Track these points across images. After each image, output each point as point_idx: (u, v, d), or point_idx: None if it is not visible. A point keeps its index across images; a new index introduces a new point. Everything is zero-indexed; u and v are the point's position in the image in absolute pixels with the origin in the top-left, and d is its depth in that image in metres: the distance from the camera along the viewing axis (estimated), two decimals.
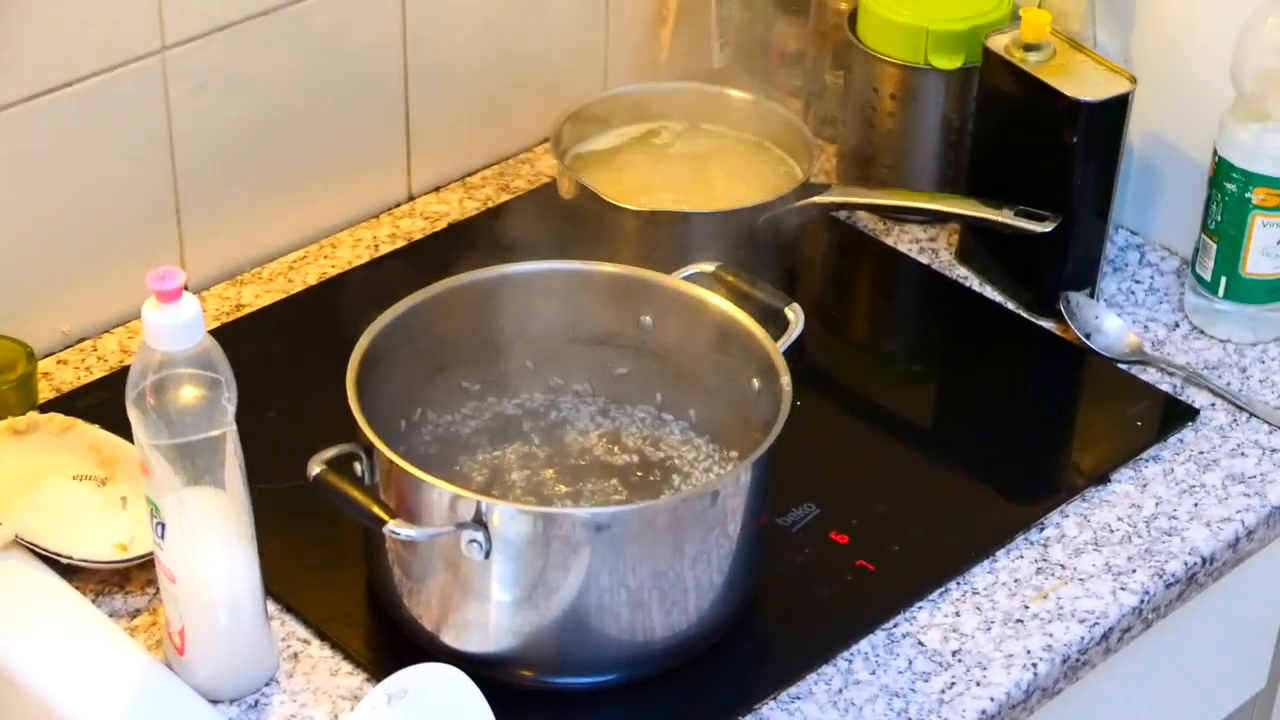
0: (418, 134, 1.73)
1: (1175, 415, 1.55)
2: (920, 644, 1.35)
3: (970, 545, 1.42)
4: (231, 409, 1.19)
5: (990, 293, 1.68)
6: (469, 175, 1.79)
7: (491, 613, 1.27)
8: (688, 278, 1.43)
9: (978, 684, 1.32)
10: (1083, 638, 1.36)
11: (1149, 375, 1.59)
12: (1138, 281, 1.70)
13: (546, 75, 1.79)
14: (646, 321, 1.42)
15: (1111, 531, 1.45)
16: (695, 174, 1.69)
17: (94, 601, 1.34)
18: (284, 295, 1.64)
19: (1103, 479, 1.49)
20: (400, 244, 1.70)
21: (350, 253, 1.69)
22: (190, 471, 1.20)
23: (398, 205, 1.75)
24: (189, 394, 1.18)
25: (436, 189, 1.77)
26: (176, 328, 1.16)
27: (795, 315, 1.42)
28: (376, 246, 1.70)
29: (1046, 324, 1.64)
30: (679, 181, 1.68)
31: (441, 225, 1.73)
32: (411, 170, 1.75)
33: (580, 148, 1.70)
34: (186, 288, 1.17)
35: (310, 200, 1.68)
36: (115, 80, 1.50)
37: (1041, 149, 1.60)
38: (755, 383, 1.36)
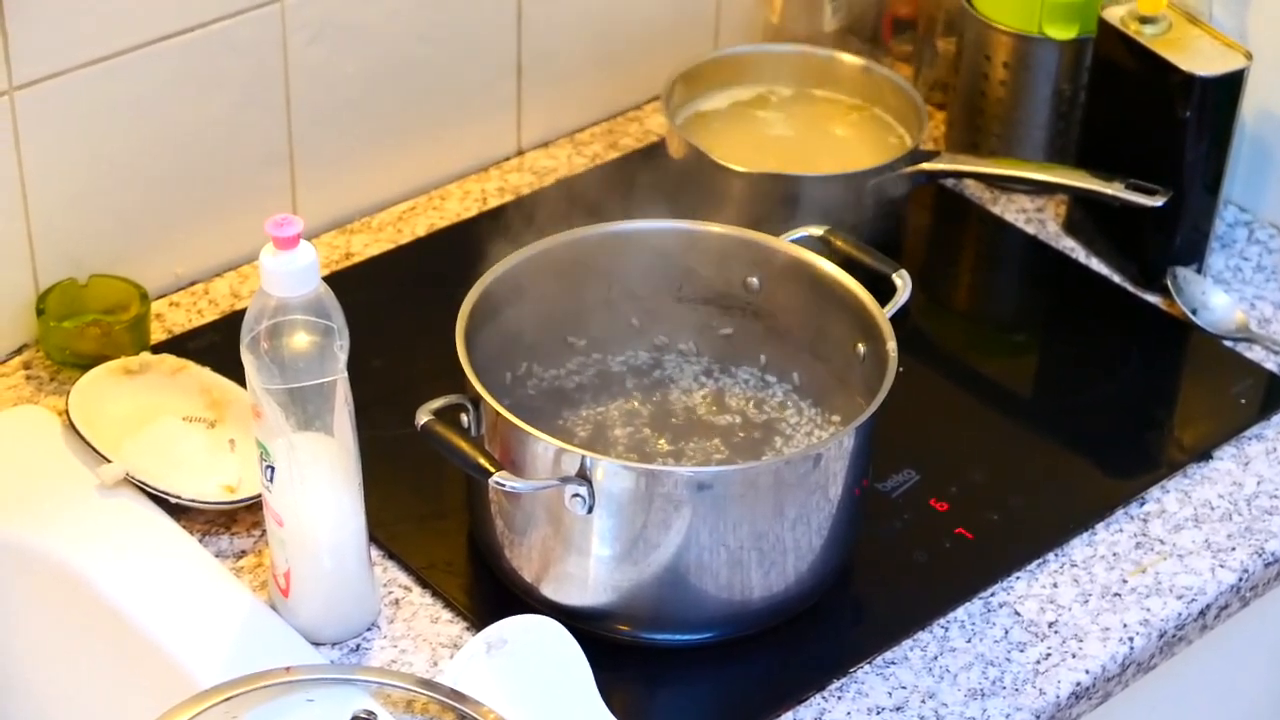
0: (529, 89, 1.74)
1: (1279, 394, 1.54)
2: (1017, 614, 1.35)
3: (1069, 517, 1.42)
4: (344, 356, 1.20)
5: (1096, 265, 1.67)
6: (578, 131, 1.80)
7: (591, 567, 1.28)
8: (796, 240, 1.43)
9: (1073, 656, 1.32)
10: (1180, 614, 1.36)
11: (1254, 353, 1.58)
12: (1245, 259, 1.69)
13: (658, 34, 1.80)
14: (753, 283, 1.43)
15: (1212, 508, 1.44)
16: (804, 138, 1.69)
17: (201, 541, 1.36)
18: (392, 245, 1.65)
19: (1204, 455, 1.49)
20: (508, 198, 1.71)
21: (459, 205, 1.70)
22: (301, 416, 1.21)
23: (506, 159, 1.76)
24: (302, 340, 1.19)
25: (545, 144, 1.78)
26: (292, 274, 1.18)
27: (903, 281, 1.42)
28: (485, 199, 1.71)
29: (1152, 298, 1.64)
30: (787, 145, 1.68)
31: (549, 180, 1.73)
32: (521, 125, 1.75)
33: (690, 108, 1.70)
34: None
35: (420, 152, 1.70)
36: (233, 27, 1.51)
37: (1153, 123, 1.59)
38: (860, 347, 1.36)
